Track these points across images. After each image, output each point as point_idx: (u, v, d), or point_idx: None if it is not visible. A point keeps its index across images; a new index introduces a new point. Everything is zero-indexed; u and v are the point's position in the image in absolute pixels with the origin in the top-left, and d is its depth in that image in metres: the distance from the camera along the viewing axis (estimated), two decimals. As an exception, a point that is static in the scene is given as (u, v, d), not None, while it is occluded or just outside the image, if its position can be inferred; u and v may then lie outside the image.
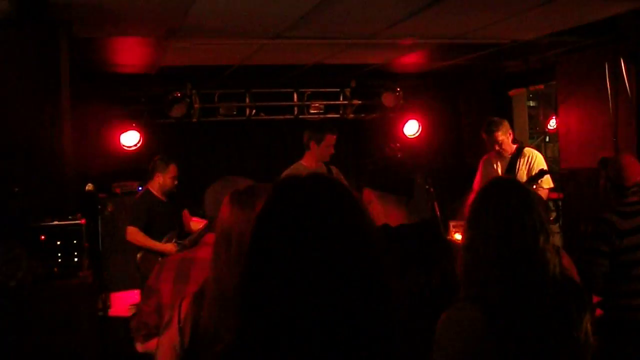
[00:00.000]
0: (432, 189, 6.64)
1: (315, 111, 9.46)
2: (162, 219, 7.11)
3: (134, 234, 7.00)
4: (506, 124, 7.28)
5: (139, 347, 3.51)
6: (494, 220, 2.37)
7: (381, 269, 1.56)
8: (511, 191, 2.45)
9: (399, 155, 8.21)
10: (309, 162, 6.67)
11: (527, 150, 7.24)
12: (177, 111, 8.64)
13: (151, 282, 3.44)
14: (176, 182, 7.21)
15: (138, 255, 7.05)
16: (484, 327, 2.26)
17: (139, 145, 8.60)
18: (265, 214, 1.58)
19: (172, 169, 7.20)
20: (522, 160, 7.15)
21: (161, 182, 7.16)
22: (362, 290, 1.51)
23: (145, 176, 7.59)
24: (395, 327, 1.58)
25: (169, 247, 6.86)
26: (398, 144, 8.61)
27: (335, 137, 6.72)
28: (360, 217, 1.59)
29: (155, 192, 7.18)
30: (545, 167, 7.00)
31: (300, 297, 1.47)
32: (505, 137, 7.15)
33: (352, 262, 1.52)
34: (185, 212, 7.44)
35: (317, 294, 1.47)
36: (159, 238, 6.97)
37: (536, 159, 7.12)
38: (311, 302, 1.47)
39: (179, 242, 6.87)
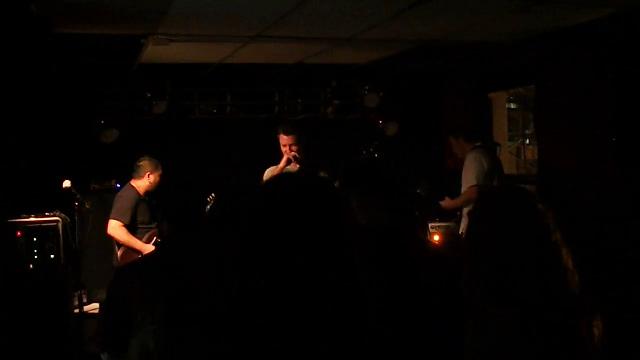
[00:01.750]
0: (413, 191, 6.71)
1: (297, 111, 9.48)
2: (144, 216, 7.12)
3: (116, 229, 6.95)
4: (457, 129, 7.69)
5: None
6: (516, 239, 2.36)
7: (354, 268, 1.59)
8: (526, 208, 2.45)
9: (377, 156, 8.24)
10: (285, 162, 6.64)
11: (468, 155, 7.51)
12: (157, 109, 8.61)
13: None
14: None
15: (119, 253, 7.03)
16: (518, 328, 2.27)
17: (118, 142, 8.57)
18: (254, 210, 1.61)
19: (160, 170, 7.31)
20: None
21: (152, 181, 7.23)
22: (335, 286, 1.54)
23: (123, 173, 7.57)
24: (366, 324, 1.61)
25: (150, 248, 6.83)
26: (377, 144, 8.63)
27: (288, 137, 6.52)
28: (340, 218, 1.61)
29: (139, 190, 7.19)
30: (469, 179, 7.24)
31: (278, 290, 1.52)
32: (453, 141, 7.62)
33: (328, 259, 1.54)
34: None
35: (293, 286, 1.52)
36: (139, 235, 6.98)
37: (466, 165, 7.40)
38: (288, 293, 1.52)
39: (159, 241, 6.84)
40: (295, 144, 6.53)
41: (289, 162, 6.53)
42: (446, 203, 7.57)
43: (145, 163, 7.29)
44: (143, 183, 7.23)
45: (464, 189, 7.34)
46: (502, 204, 2.48)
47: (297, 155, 6.49)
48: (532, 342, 2.27)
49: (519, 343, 2.27)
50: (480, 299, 2.40)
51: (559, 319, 2.30)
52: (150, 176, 7.23)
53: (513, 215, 2.40)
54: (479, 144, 7.45)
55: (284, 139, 6.53)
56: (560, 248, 2.37)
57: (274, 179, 1.68)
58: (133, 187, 7.25)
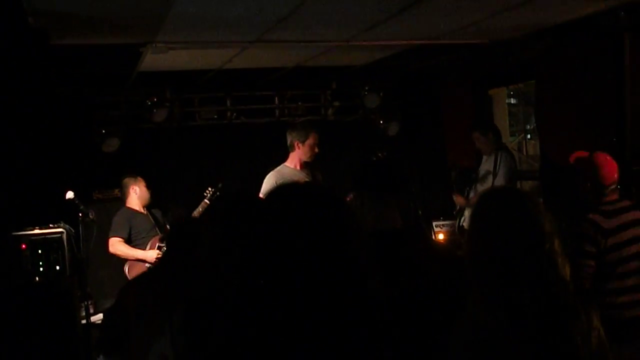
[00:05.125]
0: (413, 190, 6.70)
1: (297, 113, 9.48)
2: (142, 225, 7.17)
3: (116, 245, 7.12)
4: (485, 125, 7.78)
5: None
6: (501, 234, 2.37)
7: (361, 274, 1.58)
8: (512, 204, 2.46)
9: (383, 156, 8.22)
10: (293, 164, 6.61)
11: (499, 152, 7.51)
12: (158, 116, 8.61)
13: (118, 300, 3.48)
14: (150, 191, 7.45)
15: (126, 267, 7.10)
16: (505, 328, 2.26)
17: (119, 151, 8.56)
18: (261, 221, 1.61)
19: (141, 180, 7.43)
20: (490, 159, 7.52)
21: (139, 193, 7.36)
22: (341, 292, 1.53)
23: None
24: (376, 329, 1.60)
25: (151, 254, 6.88)
26: (381, 146, 8.61)
27: (317, 136, 6.62)
28: (346, 225, 1.60)
29: (134, 207, 7.27)
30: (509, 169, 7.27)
31: (288, 296, 1.52)
32: (479, 136, 7.60)
33: (333, 266, 1.54)
34: None
35: (302, 294, 1.52)
36: (142, 245, 7.05)
37: (503, 161, 7.40)
38: (298, 300, 1.52)
39: (162, 246, 6.87)
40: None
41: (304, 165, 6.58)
42: (461, 199, 7.54)
43: (125, 180, 7.46)
44: (132, 199, 7.38)
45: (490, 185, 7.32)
46: (499, 206, 2.49)
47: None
48: (522, 346, 2.26)
49: (509, 346, 2.27)
50: (475, 298, 2.40)
51: (551, 323, 2.29)
52: (134, 188, 7.37)
53: (508, 218, 2.41)
54: (503, 141, 7.45)
55: (316, 138, 6.59)
56: (556, 255, 2.36)
57: (281, 188, 1.67)
58: (126, 206, 7.42)
